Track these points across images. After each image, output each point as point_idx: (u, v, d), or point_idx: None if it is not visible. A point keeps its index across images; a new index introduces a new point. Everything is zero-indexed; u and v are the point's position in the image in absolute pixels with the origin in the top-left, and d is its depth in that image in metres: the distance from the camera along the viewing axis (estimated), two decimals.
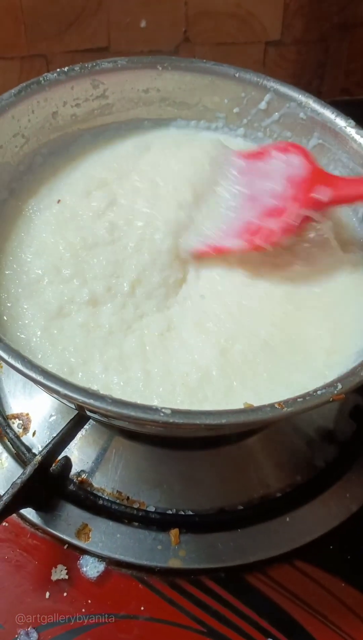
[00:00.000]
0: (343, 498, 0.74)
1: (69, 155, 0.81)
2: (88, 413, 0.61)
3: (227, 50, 1.14)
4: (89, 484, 0.72)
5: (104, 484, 0.73)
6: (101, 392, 0.53)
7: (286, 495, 0.73)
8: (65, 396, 0.52)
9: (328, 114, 0.79)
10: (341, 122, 0.78)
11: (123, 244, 0.71)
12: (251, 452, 0.76)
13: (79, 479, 0.72)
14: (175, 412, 0.52)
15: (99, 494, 0.72)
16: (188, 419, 0.52)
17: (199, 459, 0.74)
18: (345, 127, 0.78)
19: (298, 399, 0.54)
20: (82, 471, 0.73)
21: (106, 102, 0.82)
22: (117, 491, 0.72)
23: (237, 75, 0.81)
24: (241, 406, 0.57)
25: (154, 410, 0.52)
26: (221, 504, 0.72)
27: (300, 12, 1.14)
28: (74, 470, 0.73)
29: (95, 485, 0.72)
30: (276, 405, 0.54)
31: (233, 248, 0.70)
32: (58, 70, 0.76)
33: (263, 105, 0.82)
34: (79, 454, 0.74)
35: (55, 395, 0.55)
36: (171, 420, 0.51)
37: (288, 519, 0.71)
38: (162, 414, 0.52)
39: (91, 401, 0.52)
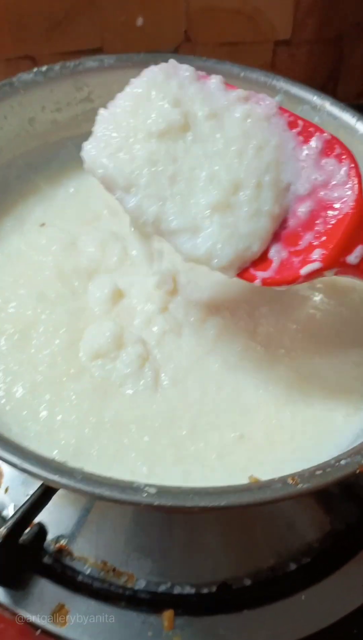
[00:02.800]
0: None
1: (51, 170, 0.71)
2: None
3: (232, 50, 1.05)
4: (68, 553, 0.62)
5: (87, 551, 0.62)
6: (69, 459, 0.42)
7: (301, 568, 0.62)
8: (23, 470, 0.42)
9: (348, 117, 0.69)
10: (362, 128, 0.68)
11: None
12: (260, 512, 0.65)
13: (57, 545, 0.62)
14: (163, 491, 0.41)
15: (80, 565, 0.61)
16: (179, 500, 0.41)
17: (198, 521, 0.64)
18: None
19: (317, 472, 0.43)
20: (61, 536, 0.63)
21: (91, 107, 0.73)
22: (101, 561, 0.62)
23: (242, 74, 0.71)
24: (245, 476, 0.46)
25: (135, 489, 0.41)
26: (224, 576, 0.62)
27: (313, 9, 1.05)
28: (52, 535, 0.62)
29: (75, 554, 0.62)
30: (289, 481, 0.43)
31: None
32: (35, 70, 0.66)
33: None
34: (58, 515, 0.64)
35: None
36: (156, 503, 0.41)
37: (303, 597, 0.60)
38: (145, 495, 0.41)
39: (56, 478, 0.41)
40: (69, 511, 0.64)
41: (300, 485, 0.42)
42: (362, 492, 0.68)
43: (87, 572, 0.61)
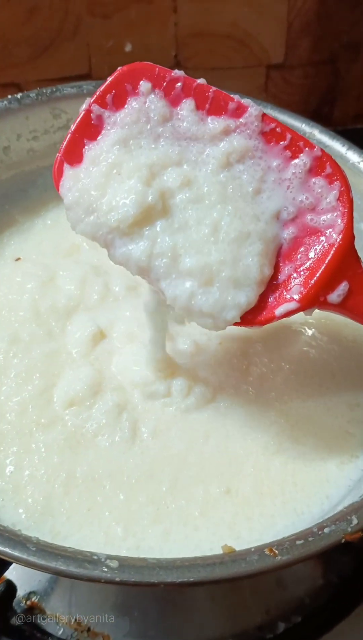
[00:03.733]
0: None
1: (28, 201, 0.68)
2: None
3: (223, 75, 1.02)
4: (40, 610, 0.58)
5: (60, 609, 0.58)
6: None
7: (291, 629, 0.57)
8: None
9: (338, 146, 0.65)
10: (354, 157, 0.65)
11: None
12: None
13: (28, 602, 0.58)
14: (125, 565, 0.37)
15: (52, 626, 0.57)
16: (143, 575, 0.37)
17: None
18: (359, 163, 0.64)
19: (297, 541, 0.39)
20: (32, 593, 0.58)
21: None
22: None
23: None
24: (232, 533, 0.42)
25: (95, 562, 0.37)
26: (208, 637, 0.57)
27: (306, 30, 1.02)
28: (22, 591, 0.58)
29: (48, 611, 0.58)
30: (266, 552, 0.39)
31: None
32: (9, 97, 0.64)
33: None
34: (29, 570, 0.58)
35: None
36: (117, 579, 0.37)
37: None
38: (105, 569, 0.37)
39: (7, 550, 0.37)
40: None
41: (278, 558, 0.38)
42: (357, 543, 0.64)
43: (60, 632, 0.57)
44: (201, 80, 0.50)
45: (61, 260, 0.66)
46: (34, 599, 0.58)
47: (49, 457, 0.53)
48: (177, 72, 0.50)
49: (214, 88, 0.50)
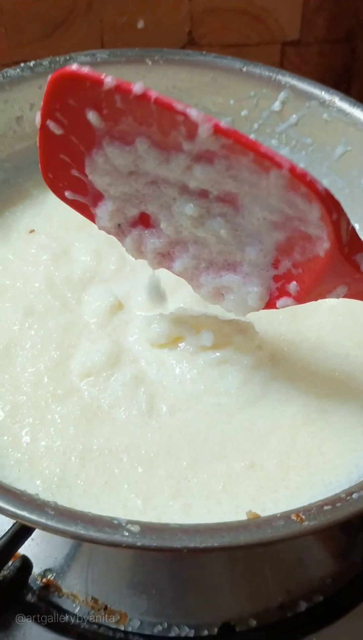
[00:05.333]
0: None
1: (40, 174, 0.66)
2: None
3: (239, 52, 1.00)
4: (56, 588, 0.56)
5: (77, 587, 0.57)
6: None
7: (312, 607, 0.56)
8: None
9: (359, 113, 0.63)
10: None
11: None
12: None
13: (44, 580, 0.57)
14: (146, 529, 0.36)
15: (69, 603, 0.56)
16: (165, 540, 0.36)
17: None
18: None
19: (325, 507, 0.38)
20: (48, 570, 0.57)
21: None
22: (92, 598, 0.56)
23: (245, 69, 0.67)
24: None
25: (116, 527, 0.36)
26: (227, 617, 0.56)
27: (323, 7, 1.00)
28: (38, 569, 0.57)
29: (64, 589, 0.57)
30: (292, 517, 0.37)
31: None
32: (22, 65, 0.62)
33: (277, 105, 0.68)
34: (45, 546, 0.58)
35: None
36: (139, 544, 0.35)
37: None
38: (126, 534, 0.35)
39: (25, 514, 0.36)
40: (58, 542, 0.58)
41: (305, 523, 0.37)
42: None
43: (76, 610, 0.56)
44: (138, 85, 0.41)
45: (74, 233, 0.65)
46: (50, 576, 0.57)
47: (65, 428, 0.51)
48: (108, 81, 0.41)
49: (155, 95, 0.41)
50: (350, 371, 0.58)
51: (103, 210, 0.50)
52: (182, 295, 0.61)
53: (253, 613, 0.56)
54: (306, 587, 0.58)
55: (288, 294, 0.47)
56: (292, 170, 0.40)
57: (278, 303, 0.48)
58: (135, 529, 0.36)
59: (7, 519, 0.56)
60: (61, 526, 0.36)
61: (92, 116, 0.43)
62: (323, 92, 0.65)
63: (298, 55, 1.04)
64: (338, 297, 0.46)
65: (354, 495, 0.38)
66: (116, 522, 0.36)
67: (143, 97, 0.40)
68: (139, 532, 0.36)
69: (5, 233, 0.64)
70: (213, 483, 0.50)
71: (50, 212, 0.67)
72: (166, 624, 0.55)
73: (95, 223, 0.52)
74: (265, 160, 0.40)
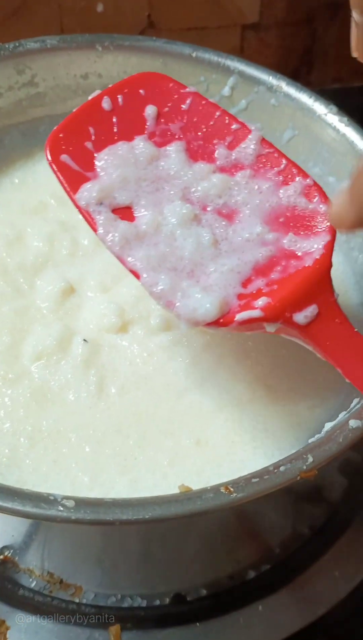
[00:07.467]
0: (331, 577, 0.59)
1: None
2: None
3: (198, 35, 1.00)
4: (13, 564, 0.58)
5: (34, 563, 0.59)
6: None
7: (259, 576, 0.59)
8: None
9: (305, 98, 0.65)
10: (320, 109, 0.64)
11: None
12: (218, 517, 0.61)
13: (1, 557, 0.58)
14: (81, 504, 0.38)
15: (25, 579, 0.57)
16: (98, 513, 0.38)
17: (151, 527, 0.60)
18: (326, 115, 0.64)
19: (253, 479, 0.40)
20: (5, 547, 0.59)
21: (36, 91, 0.69)
22: (48, 573, 0.58)
23: (194, 55, 0.67)
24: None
25: (51, 502, 0.38)
26: (179, 587, 0.58)
27: None
28: None
29: (21, 565, 0.58)
30: (221, 490, 0.39)
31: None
32: None
33: (226, 91, 0.68)
34: (2, 524, 0.60)
35: None
36: (73, 517, 0.37)
37: (260, 608, 0.57)
38: (61, 509, 0.37)
39: None
40: (14, 521, 0.60)
41: (233, 495, 0.39)
42: (329, 495, 0.65)
43: (32, 584, 0.58)
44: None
45: (28, 218, 0.66)
46: (7, 553, 0.59)
47: (15, 411, 0.53)
48: (190, 89, 0.52)
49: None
50: (295, 348, 0.60)
51: (96, 185, 0.50)
52: (134, 280, 0.62)
53: (204, 583, 0.59)
54: (255, 557, 0.61)
55: (253, 308, 0.46)
56: (314, 182, 0.50)
57: (238, 316, 0.47)
58: (70, 503, 0.38)
59: None
60: None
61: (150, 110, 0.52)
62: (270, 78, 0.66)
63: (259, 39, 1.05)
64: (305, 320, 0.46)
65: (281, 468, 0.41)
66: (52, 497, 0.38)
67: (214, 105, 0.53)
68: (74, 507, 0.38)
69: None
70: (159, 458, 0.52)
71: (4, 198, 0.67)
72: (119, 596, 0.57)
73: (73, 194, 0.50)
74: (295, 167, 0.50)
